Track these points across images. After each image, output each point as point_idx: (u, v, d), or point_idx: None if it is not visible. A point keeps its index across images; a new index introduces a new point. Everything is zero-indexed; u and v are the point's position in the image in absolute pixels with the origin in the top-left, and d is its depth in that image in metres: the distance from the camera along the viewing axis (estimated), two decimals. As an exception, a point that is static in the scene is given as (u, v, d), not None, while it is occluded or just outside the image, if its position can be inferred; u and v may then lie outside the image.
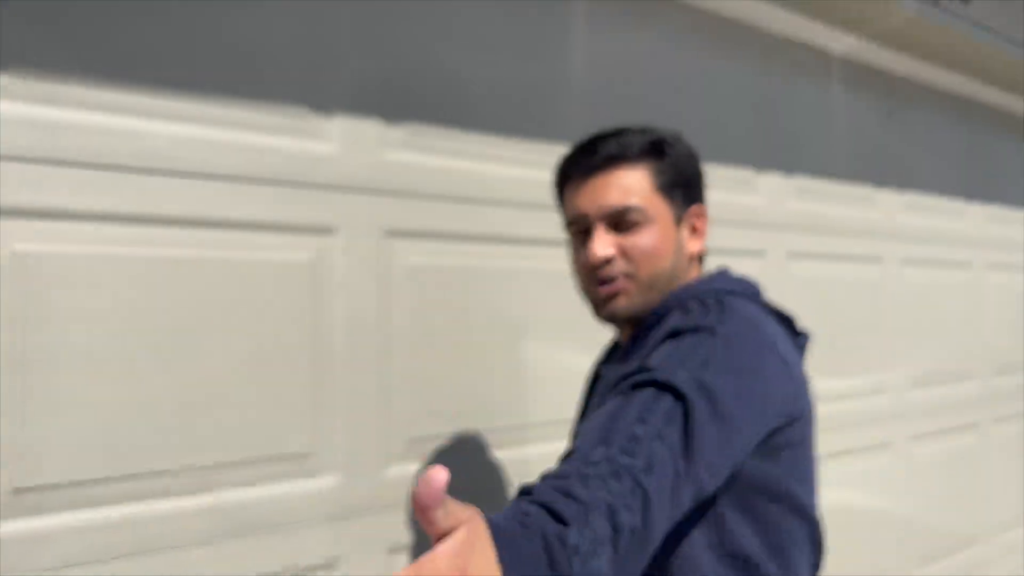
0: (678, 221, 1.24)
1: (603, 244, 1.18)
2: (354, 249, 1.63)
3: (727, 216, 2.29)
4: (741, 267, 1.34)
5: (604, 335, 1.78)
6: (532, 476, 1.73)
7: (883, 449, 2.76)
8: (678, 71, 2.25)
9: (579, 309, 1.99)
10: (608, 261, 1.18)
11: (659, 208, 1.21)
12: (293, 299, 1.55)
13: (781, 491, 1.09)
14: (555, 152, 1.91)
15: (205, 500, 1.42)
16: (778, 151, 2.54)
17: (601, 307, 1.22)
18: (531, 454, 1.87)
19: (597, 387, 1.34)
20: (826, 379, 2.60)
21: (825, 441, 2.53)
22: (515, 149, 1.88)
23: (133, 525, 1.35)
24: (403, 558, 1.66)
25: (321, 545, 1.55)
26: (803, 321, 1.33)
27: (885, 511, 2.76)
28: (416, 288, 1.71)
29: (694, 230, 1.26)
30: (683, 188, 1.24)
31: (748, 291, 1.20)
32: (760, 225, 2.44)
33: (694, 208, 1.26)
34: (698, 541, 1.06)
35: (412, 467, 1.68)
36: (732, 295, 1.16)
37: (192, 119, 1.45)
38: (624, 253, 1.19)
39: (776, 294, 1.58)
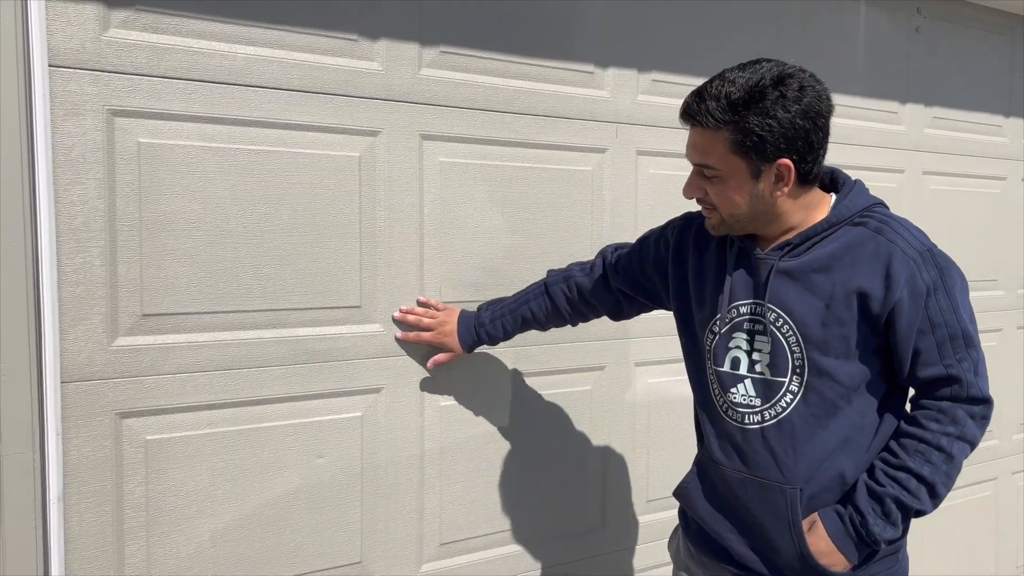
0: (756, 175, 1.40)
1: (691, 188, 1.49)
2: (395, 148, 2.02)
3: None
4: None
5: (588, 227, 2.14)
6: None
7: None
8: (693, -5, 2.49)
9: (574, 203, 2.35)
10: (698, 198, 1.50)
11: (734, 166, 1.40)
12: (346, 186, 1.96)
13: None
14: (567, 69, 2.24)
15: (280, 333, 1.89)
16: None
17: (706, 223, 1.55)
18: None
19: (745, 264, 1.52)
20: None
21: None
22: (533, 67, 2.21)
23: (226, 347, 1.82)
24: (429, 395, 2.10)
25: (368, 375, 2.00)
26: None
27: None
28: (444, 181, 2.09)
29: (779, 179, 1.40)
30: (763, 146, 1.36)
31: (880, 200, 1.53)
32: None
33: (781, 161, 1.38)
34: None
35: (441, 323, 2.09)
36: (880, 206, 1.50)
37: (266, 43, 1.85)
38: (707, 195, 1.47)
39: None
